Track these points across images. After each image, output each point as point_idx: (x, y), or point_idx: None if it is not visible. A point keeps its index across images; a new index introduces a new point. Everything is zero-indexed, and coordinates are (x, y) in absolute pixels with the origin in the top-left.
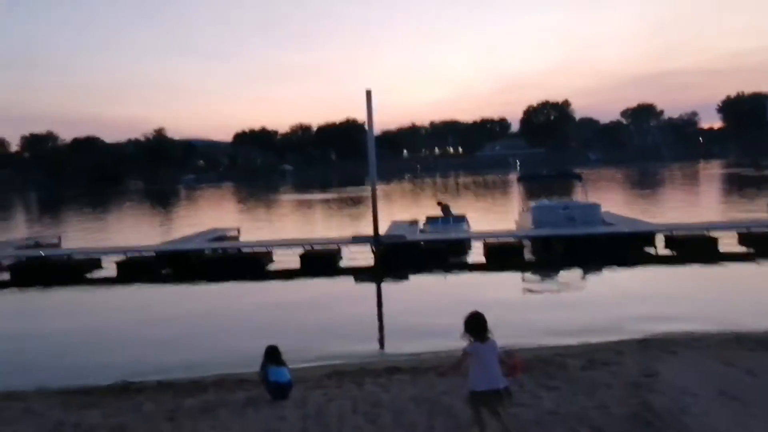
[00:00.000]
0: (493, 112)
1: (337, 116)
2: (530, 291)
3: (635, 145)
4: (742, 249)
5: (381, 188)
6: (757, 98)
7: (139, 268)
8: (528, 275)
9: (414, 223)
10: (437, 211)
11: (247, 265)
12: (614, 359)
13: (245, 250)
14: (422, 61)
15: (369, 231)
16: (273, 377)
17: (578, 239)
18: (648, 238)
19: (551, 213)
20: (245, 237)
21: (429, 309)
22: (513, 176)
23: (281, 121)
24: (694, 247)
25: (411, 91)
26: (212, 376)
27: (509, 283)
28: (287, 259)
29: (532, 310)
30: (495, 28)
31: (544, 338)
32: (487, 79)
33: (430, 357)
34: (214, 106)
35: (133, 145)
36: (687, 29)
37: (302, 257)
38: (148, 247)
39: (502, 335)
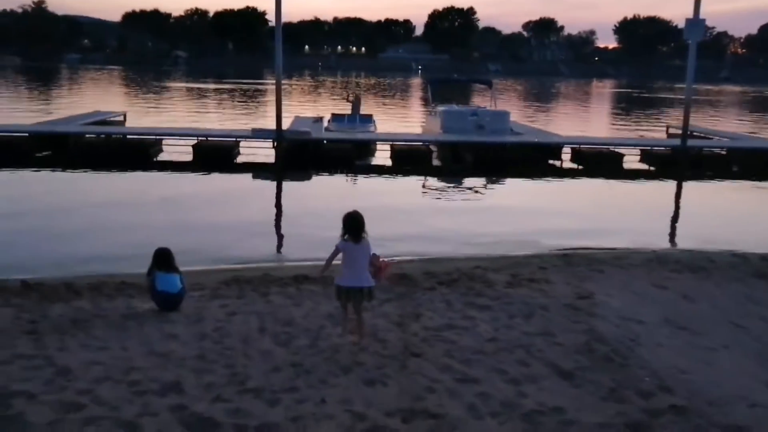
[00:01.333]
0: (398, 14)
1: (236, 3)
2: (439, 199)
3: (534, 59)
4: (643, 166)
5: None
6: (652, 22)
7: (10, 150)
8: (436, 182)
9: (318, 119)
10: (341, 110)
11: (133, 153)
12: (540, 275)
13: (131, 136)
14: None
15: (270, 125)
16: (161, 286)
17: (487, 147)
18: (555, 150)
19: (460, 119)
20: (132, 123)
21: (334, 213)
22: (416, 80)
23: (175, 5)
24: (599, 162)
25: None
26: (89, 276)
27: (417, 189)
28: (178, 149)
29: (442, 219)
30: None
31: (458, 248)
32: None
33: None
34: None
35: (9, 17)
36: None
37: (195, 148)
38: (20, 127)
39: (412, 242)
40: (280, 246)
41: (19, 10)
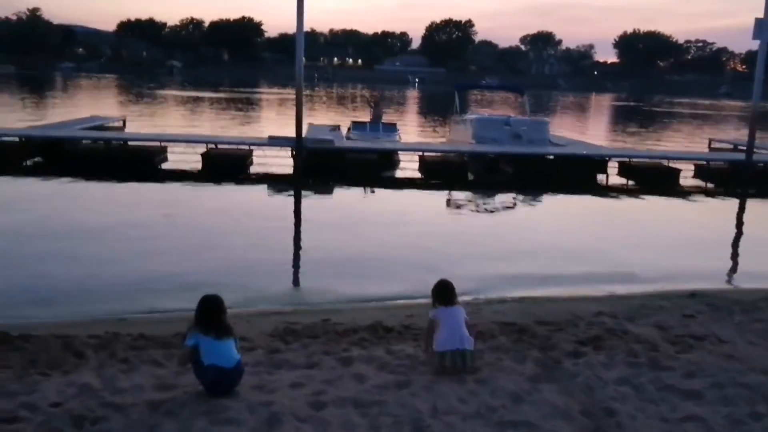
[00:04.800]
0: (394, 27)
1: (232, 13)
2: (483, 216)
3: (532, 72)
4: (700, 183)
5: (279, 94)
6: (651, 36)
7: None
8: (473, 197)
9: (336, 128)
10: (362, 117)
11: (135, 161)
12: (699, 329)
13: (133, 143)
14: None
15: (279, 134)
16: (211, 359)
17: (529, 159)
18: (601, 163)
19: (494, 128)
20: (132, 130)
21: (373, 233)
22: (413, 93)
23: (171, 14)
24: (653, 177)
25: None
26: (92, 323)
27: (454, 204)
28: (185, 158)
29: (497, 242)
30: None
31: (541, 282)
32: None
33: (403, 306)
34: None
35: (3, 25)
36: None
37: (204, 157)
38: (10, 131)
39: (476, 272)
40: (320, 276)
41: (14, 18)
